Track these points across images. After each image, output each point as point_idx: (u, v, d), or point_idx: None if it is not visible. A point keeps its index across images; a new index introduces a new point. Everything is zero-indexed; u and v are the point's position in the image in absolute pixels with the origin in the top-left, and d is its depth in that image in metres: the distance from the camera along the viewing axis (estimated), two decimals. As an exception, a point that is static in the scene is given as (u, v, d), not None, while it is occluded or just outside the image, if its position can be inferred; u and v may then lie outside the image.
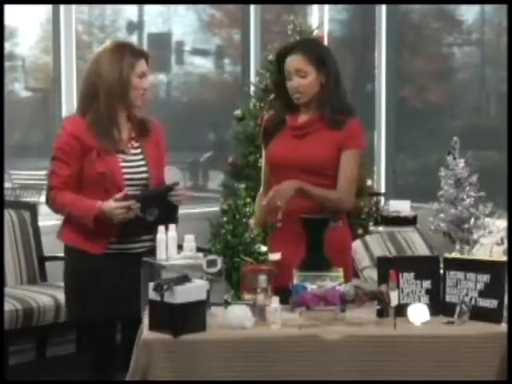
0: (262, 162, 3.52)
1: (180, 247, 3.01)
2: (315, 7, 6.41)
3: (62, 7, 5.17)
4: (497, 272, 2.85)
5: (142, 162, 3.24)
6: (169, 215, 3.08)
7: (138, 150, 3.25)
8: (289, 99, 3.36)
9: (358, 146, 3.32)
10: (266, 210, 3.15)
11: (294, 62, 3.27)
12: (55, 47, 5.22)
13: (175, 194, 3.18)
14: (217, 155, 6.26)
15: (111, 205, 3.07)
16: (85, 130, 3.15)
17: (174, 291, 2.61)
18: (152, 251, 3.05)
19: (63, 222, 3.30)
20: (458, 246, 3.65)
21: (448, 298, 2.91)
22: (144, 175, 3.22)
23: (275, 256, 3.10)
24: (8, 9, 4.65)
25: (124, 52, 3.18)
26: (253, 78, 6.03)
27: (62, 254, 4.86)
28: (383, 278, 2.84)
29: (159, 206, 3.12)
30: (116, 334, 3.34)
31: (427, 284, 2.92)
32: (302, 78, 3.26)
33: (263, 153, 3.50)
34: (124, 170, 3.17)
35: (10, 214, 4.83)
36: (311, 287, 2.86)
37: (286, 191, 3.14)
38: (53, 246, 4.90)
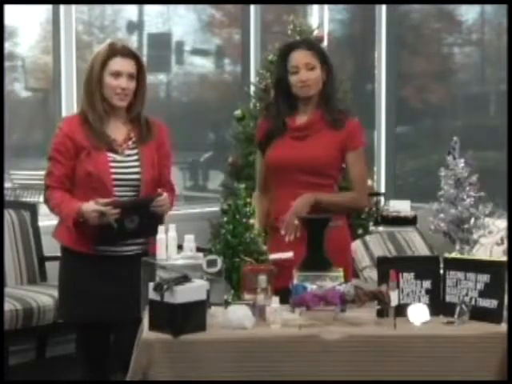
0: (258, 166, 3.53)
1: (180, 247, 3.02)
2: (315, 7, 6.41)
3: (62, 7, 5.17)
4: (497, 272, 2.85)
5: (136, 164, 3.22)
6: (149, 227, 3.05)
7: (134, 151, 3.24)
8: (289, 97, 3.37)
9: (360, 145, 3.39)
10: (285, 228, 3.21)
11: (301, 55, 3.34)
12: (55, 47, 5.22)
13: (157, 204, 3.14)
14: (217, 155, 6.26)
15: (89, 206, 3.06)
16: (79, 129, 3.18)
17: (174, 291, 2.61)
18: (145, 254, 3.05)
19: (59, 220, 3.32)
20: (457, 246, 3.64)
21: (448, 298, 2.91)
22: (135, 176, 3.21)
23: (287, 254, 3.10)
24: (8, 9, 4.65)
25: (101, 50, 3.21)
26: (253, 78, 6.03)
27: (62, 254, 4.86)
28: (383, 278, 2.84)
29: (140, 215, 3.10)
30: (109, 336, 3.33)
31: (427, 284, 2.92)
32: (311, 70, 3.32)
33: (258, 157, 3.51)
34: (113, 170, 3.17)
35: (9, 214, 4.83)
36: (311, 287, 2.86)
37: (301, 209, 3.21)
38: (53, 246, 4.89)
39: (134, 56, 3.22)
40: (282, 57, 3.42)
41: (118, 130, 3.24)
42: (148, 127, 3.27)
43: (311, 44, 3.43)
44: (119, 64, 3.17)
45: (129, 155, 3.23)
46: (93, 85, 3.17)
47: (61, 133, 3.21)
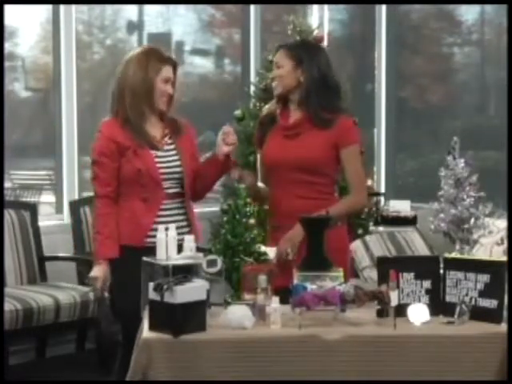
0: (258, 164, 3.55)
1: (180, 247, 3.02)
2: (315, 7, 6.41)
3: (62, 7, 5.17)
4: (497, 272, 2.85)
5: (176, 157, 3.38)
6: None
7: (172, 146, 3.40)
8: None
9: (353, 141, 3.38)
10: (277, 255, 3.20)
11: (276, 55, 3.44)
12: (55, 47, 5.22)
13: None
14: (217, 155, 6.25)
15: (96, 273, 3.29)
16: (120, 132, 3.32)
17: (174, 291, 2.61)
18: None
19: None
20: (457, 246, 3.65)
21: (448, 298, 2.91)
22: (178, 169, 3.37)
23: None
24: (8, 9, 4.65)
25: (151, 56, 3.36)
26: (253, 78, 6.03)
27: (62, 254, 4.89)
28: (383, 278, 2.84)
29: None
30: None
31: (427, 284, 2.92)
32: (278, 68, 3.40)
33: (259, 155, 3.54)
34: (158, 165, 3.33)
35: (9, 214, 4.83)
36: (311, 287, 2.86)
37: (295, 238, 3.20)
38: (53, 246, 4.91)
39: (174, 64, 3.42)
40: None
41: (154, 128, 3.40)
42: (176, 123, 3.44)
43: (289, 45, 3.48)
44: (169, 71, 3.37)
45: (168, 150, 3.39)
46: (144, 89, 3.31)
47: (102, 136, 3.36)
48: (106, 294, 3.42)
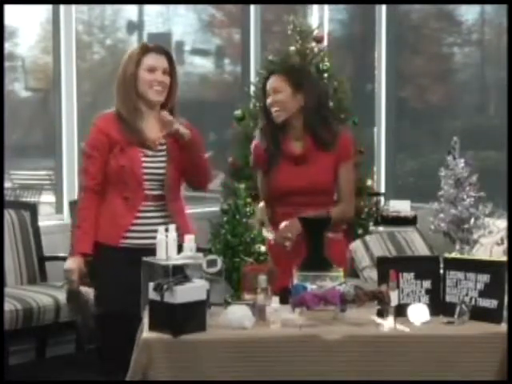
0: (260, 184, 3.54)
1: (180, 247, 3.02)
2: (315, 7, 6.41)
3: (62, 7, 5.17)
4: (497, 272, 2.85)
5: (163, 159, 3.33)
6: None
7: (163, 147, 3.35)
8: (273, 123, 3.42)
9: (350, 157, 3.47)
10: (277, 239, 3.26)
11: (272, 80, 3.42)
12: (55, 47, 5.22)
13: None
14: (217, 155, 6.26)
15: (71, 266, 3.27)
16: (113, 126, 3.31)
17: (174, 291, 2.61)
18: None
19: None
20: (457, 246, 3.65)
21: (448, 298, 2.91)
22: (161, 171, 3.32)
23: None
24: (8, 9, 4.65)
25: (135, 50, 3.35)
26: (253, 78, 6.04)
27: (62, 254, 4.88)
28: (383, 278, 2.84)
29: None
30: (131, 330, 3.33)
31: (427, 284, 2.92)
32: (277, 93, 3.37)
33: (260, 176, 3.53)
34: (144, 165, 3.30)
35: (9, 214, 4.83)
36: (311, 287, 2.86)
37: (295, 228, 3.21)
38: (53, 246, 4.91)
39: (166, 53, 3.37)
40: (263, 83, 3.51)
41: (151, 129, 3.35)
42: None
43: (284, 70, 3.49)
44: (154, 59, 3.32)
45: (158, 151, 3.34)
46: (127, 82, 3.31)
47: (96, 129, 3.35)
48: (81, 288, 3.39)
